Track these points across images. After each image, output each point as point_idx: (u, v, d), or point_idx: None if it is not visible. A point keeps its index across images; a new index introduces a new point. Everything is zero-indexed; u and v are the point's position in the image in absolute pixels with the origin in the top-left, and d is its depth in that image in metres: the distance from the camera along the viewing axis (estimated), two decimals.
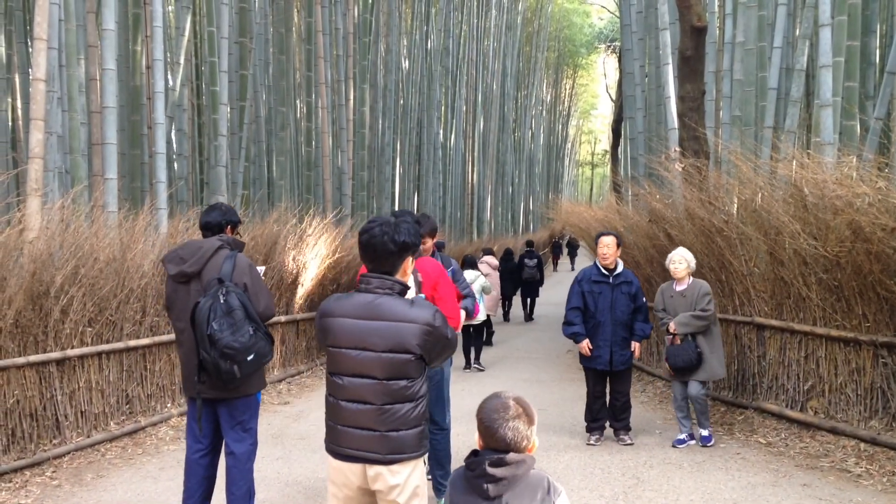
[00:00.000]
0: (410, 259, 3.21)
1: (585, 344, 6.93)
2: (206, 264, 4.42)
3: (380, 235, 3.10)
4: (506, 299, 18.46)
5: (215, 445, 4.64)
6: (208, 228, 4.65)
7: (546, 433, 7.38)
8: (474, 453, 2.46)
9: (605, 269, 7.03)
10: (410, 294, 3.30)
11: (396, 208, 21.21)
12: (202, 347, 4.20)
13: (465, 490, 2.45)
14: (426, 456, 3.40)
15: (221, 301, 4.22)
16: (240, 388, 4.40)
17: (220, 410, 4.48)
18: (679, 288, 6.93)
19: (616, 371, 7.01)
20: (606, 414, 7.18)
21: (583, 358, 7.10)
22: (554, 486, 2.42)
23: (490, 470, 2.37)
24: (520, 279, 18.22)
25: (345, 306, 3.11)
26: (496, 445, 2.41)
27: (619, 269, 7.06)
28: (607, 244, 7.02)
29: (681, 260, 6.93)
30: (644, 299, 7.12)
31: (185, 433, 4.69)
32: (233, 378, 4.25)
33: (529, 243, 19.77)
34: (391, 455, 3.03)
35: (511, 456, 2.39)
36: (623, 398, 7.10)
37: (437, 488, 5.49)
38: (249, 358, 4.24)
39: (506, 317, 18.81)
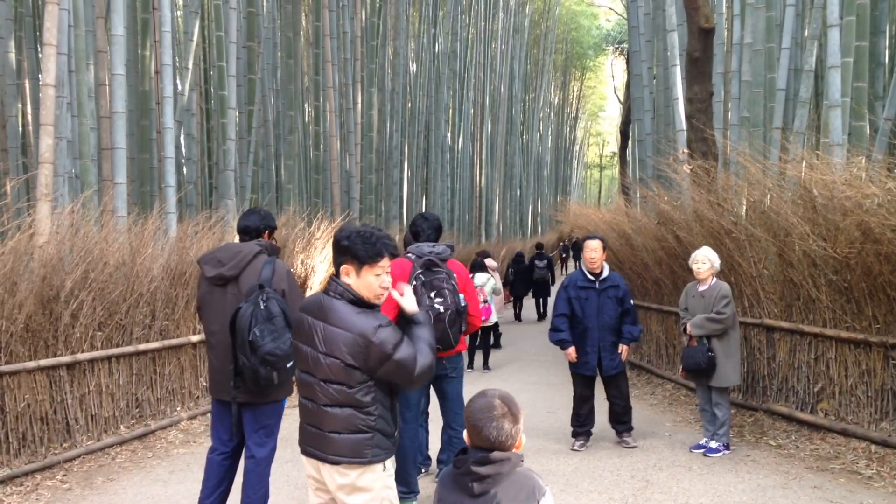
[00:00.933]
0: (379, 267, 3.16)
1: (571, 351, 6.84)
2: (244, 268, 4.44)
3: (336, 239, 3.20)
4: (517, 300, 19.14)
5: (238, 448, 4.65)
6: (246, 232, 4.68)
7: (555, 436, 7.37)
8: (463, 451, 2.50)
9: (591, 273, 6.92)
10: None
11: (405, 211, 21.25)
12: (241, 353, 4.21)
13: (452, 488, 2.48)
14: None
15: (262, 307, 4.22)
16: (270, 394, 4.41)
17: (246, 414, 4.49)
18: (701, 288, 6.76)
19: (609, 376, 6.93)
20: (593, 420, 7.12)
21: (571, 363, 7.05)
22: (539, 486, 2.44)
23: (475, 468, 2.41)
24: (531, 280, 18.69)
25: (307, 302, 3.21)
26: (482, 444, 2.45)
27: (606, 273, 6.94)
28: (594, 248, 6.88)
29: (704, 260, 6.74)
30: (632, 302, 7.03)
31: (211, 433, 4.71)
32: (270, 384, 4.26)
33: (539, 246, 20.49)
34: (333, 456, 3.07)
35: (495, 454, 2.42)
36: (622, 402, 7.01)
37: None
38: (289, 365, 4.25)
39: (517, 317, 19.25)
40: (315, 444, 3.11)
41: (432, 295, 4.98)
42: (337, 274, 3.17)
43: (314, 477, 3.20)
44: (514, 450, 2.47)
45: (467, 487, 2.43)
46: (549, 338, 7.07)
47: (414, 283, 4.96)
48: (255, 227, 4.69)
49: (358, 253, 3.12)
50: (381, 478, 3.14)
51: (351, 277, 3.14)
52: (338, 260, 3.16)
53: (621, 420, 7.06)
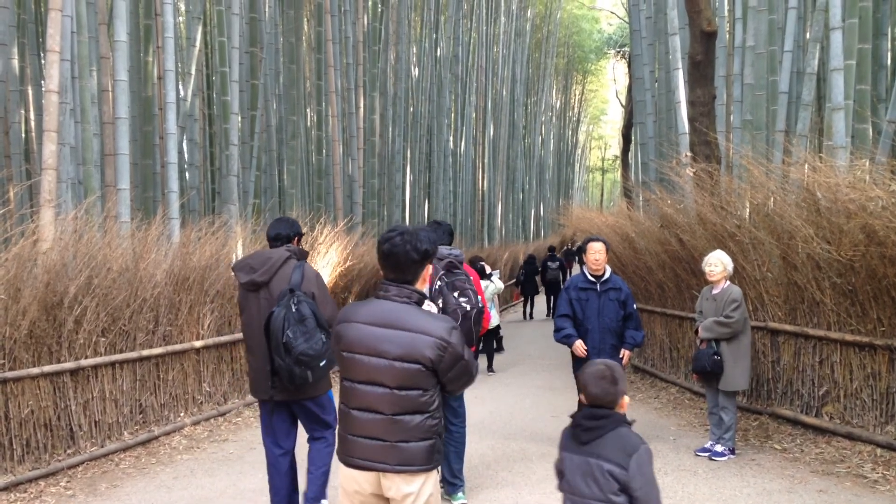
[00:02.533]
0: (430, 268, 3.21)
1: (579, 344, 6.76)
2: (275, 274, 4.71)
3: (401, 245, 3.06)
4: (528, 299, 20.61)
5: (292, 445, 4.93)
6: (277, 239, 4.93)
7: (559, 441, 7.34)
8: (578, 408, 3.04)
9: (592, 275, 6.90)
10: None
11: (407, 215, 21.26)
12: (276, 354, 4.45)
13: (568, 438, 3.03)
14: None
15: (294, 310, 4.47)
16: (309, 391, 4.69)
17: (297, 411, 4.85)
18: (714, 291, 6.73)
19: None
20: None
21: (574, 367, 7.01)
22: (634, 444, 2.86)
23: (582, 421, 2.96)
24: (543, 280, 20.20)
25: (361, 312, 3.08)
26: (590, 401, 2.97)
27: (607, 275, 6.92)
28: (598, 250, 6.86)
29: (716, 263, 6.70)
30: (635, 306, 6.98)
31: (262, 436, 4.92)
32: (305, 382, 4.51)
33: (551, 248, 21.81)
34: (400, 466, 3.00)
35: (598, 411, 2.94)
36: None
37: (453, 483, 5.49)
38: (322, 364, 4.52)
39: (530, 316, 20.67)
40: (376, 457, 3.01)
41: (456, 295, 5.15)
42: (411, 281, 3.12)
43: (362, 492, 3.09)
44: (617, 409, 2.95)
45: (577, 437, 2.96)
46: (554, 338, 7.03)
47: (438, 283, 5.14)
48: (286, 234, 4.96)
49: (435, 253, 3.19)
50: (437, 483, 3.18)
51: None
52: (422, 265, 3.13)
53: None
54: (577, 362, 6.94)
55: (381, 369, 2.98)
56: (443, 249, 5.38)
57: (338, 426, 3.19)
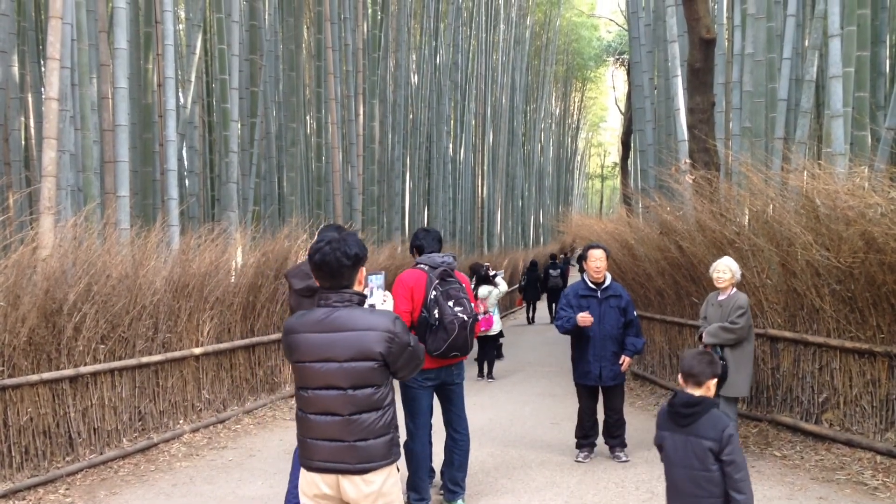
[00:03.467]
0: (364, 270, 3.29)
1: (584, 315, 6.64)
2: None
3: (331, 253, 3.16)
4: (530, 304, 21.35)
5: None
6: None
7: (559, 448, 7.34)
8: (674, 394, 3.64)
9: (592, 282, 6.90)
10: (387, 303, 3.47)
11: (406, 222, 21.28)
12: None
13: (667, 420, 3.63)
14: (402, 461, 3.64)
15: None
16: None
17: None
18: (720, 298, 6.70)
19: (607, 387, 6.86)
20: (597, 431, 7.07)
21: (574, 374, 6.98)
22: (724, 423, 3.48)
23: (681, 409, 3.56)
24: (545, 286, 20.69)
25: (306, 322, 3.18)
26: (686, 377, 3.61)
27: (608, 282, 6.92)
28: (599, 258, 6.85)
29: (725, 270, 6.66)
30: (636, 313, 6.98)
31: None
32: None
33: (553, 256, 22.59)
34: (361, 464, 3.09)
35: (695, 398, 3.54)
36: (616, 415, 6.92)
37: (454, 491, 5.48)
38: None
39: (531, 320, 21.33)
40: (336, 458, 3.10)
41: (451, 304, 5.14)
42: (347, 286, 3.20)
43: (322, 496, 3.16)
44: (706, 389, 3.58)
45: (677, 421, 3.57)
46: (558, 331, 6.96)
47: (434, 293, 5.14)
48: None
49: (366, 256, 3.27)
50: (397, 480, 3.24)
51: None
52: (355, 269, 3.21)
53: (613, 434, 6.96)
54: (577, 369, 6.94)
55: (333, 373, 3.09)
56: (435, 257, 5.38)
57: (297, 432, 3.26)
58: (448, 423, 5.57)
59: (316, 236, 5.32)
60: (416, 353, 3.24)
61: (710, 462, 3.46)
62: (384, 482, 3.14)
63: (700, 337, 6.78)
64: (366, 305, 3.29)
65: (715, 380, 3.61)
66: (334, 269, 3.16)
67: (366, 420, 3.10)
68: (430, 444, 5.57)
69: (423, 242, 5.57)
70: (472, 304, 5.34)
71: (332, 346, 3.09)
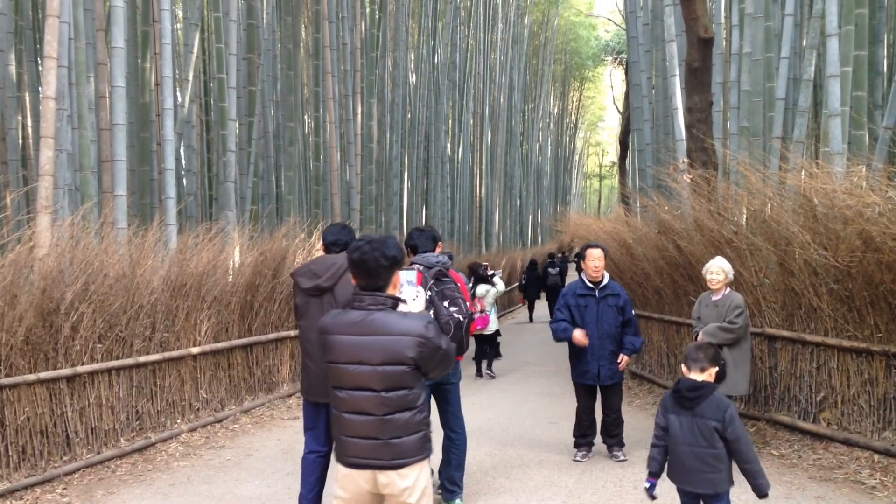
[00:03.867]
0: (399, 273, 3.37)
1: (579, 333, 6.69)
2: (339, 279, 4.81)
3: (370, 252, 3.24)
4: (530, 303, 21.78)
5: (331, 447, 4.94)
6: (337, 245, 5.03)
7: (557, 447, 7.33)
8: (678, 381, 3.99)
9: (590, 281, 6.89)
10: (418, 306, 3.54)
11: (405, 222, 21.28)
12: None
13: (672, 402, 4.01)
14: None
15: None
16: None
17: None
18: (714, 298, 6.71)
19: (605, 386, 6.85)
20: (595, 430, 7.07)
21: (573, 373, 6.97)
22: (725, 404, 3.89)
23: (686, 393, 3.93)
24: (544, 285, 21.10)
25: (340, 323, 3.25)
26: (691, 367, 3.99)
27: (605, 281, 6.91)
28: (597, 257, 6.83)
29: (718, 271, 6.68)
30: (633, 312, 6.96)
31: (305, 435, 5.03)
32: None
33: (551, 255, 23.12)
34: (396, 460, 3.19)
35: (697, 383, 3.93)
36: (614, 414, 6.92)
37: (451, 490, 5.48)
38: None
39: (530, 318, 21.68)
40: (371, 454, 3.19)
41: (446, 304, 5.08)
42: (382, 287, 3.28)
43: (360, 490, 3.26)
44: (709, 376, 3.97)
45: (682, 404, 3.95)
46: (553, 338, 6.96)
47: (429, 293, 5.06)
48: (345, 240, 5.04)
49: (403, 260, 3.37)
50: (429, 474, 3.35)
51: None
52: (392, 271, 3.29)
53: (611, 433, 6.96)
54: (575, 368, 6.93)
55: (366, 375, 3.17)
56: (430, 257, 5.31)
57: (332, 428, 3.38)
58: (445, 423, 5.57)
59: (321, 234, 5.37)
60: (447, 355, 3.31)
61: (715, 440, 3.86)
62: (418, 476, 3.24)
63: (695, 338, 6.79)
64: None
65: (716, 368, 3.99)
66: (372, 268, 3.24)
67: (399, 419, 3.19)
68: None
69: (417, 242, 5.48)
70: (468, 304, 5.30)
71: (365, 350, 3.17)
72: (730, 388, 6.55)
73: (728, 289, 6.72)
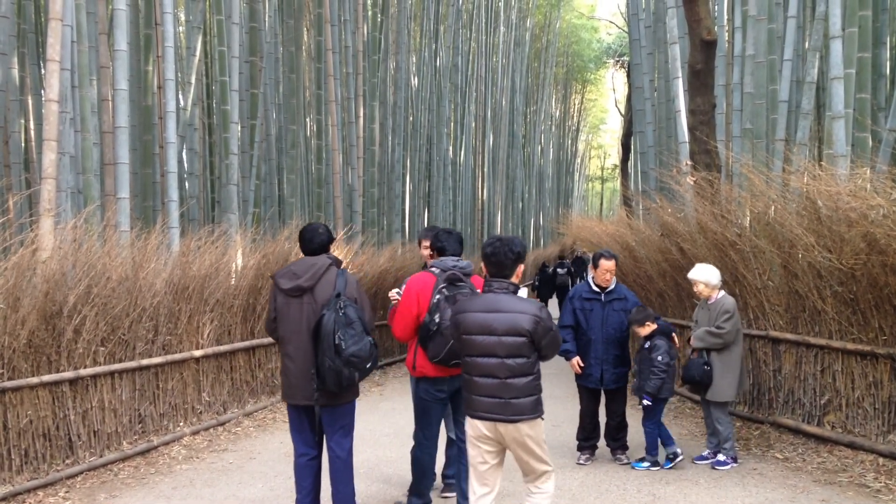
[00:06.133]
0: (522, 266, 4.22)
1: (575, 361, 6.81)
2: (319, 280, 4.88)
3: (501, 248, 4.15)
4: (543, 302, 21.93)
5: (321, 450, 5.09)
6: (318, 245, 5.06)
7: (560, 450, 7.31)
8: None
9: (597, 285, 6.91)
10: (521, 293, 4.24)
11: (407, 224, 21.25)
12: (327, 356, 4.67)
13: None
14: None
15: (341, 314, 4.74)
16: (344, 396, 4.92)
17: (325, 417, 4.94)
18: (709, 301, 6.76)
19: (609, 390, 6.87)
20: (599, 434, 7.06)
21: (577, 376, 6.99)
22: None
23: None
24: (555, 285, 22.13)
25: (474, 304, 4.17)
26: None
27: (612, 284, 6.93)
28: (609, 269, 6.86)
29: (696, 283, 6.72)
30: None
31: (293, 439, 5.08)
32: (352, 384, 4.79)
33: (561, 256, 24.22)
34: (514, 416, 4.01)
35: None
36: (617, 418, 6.93)
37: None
38: (368, 366, 4.81)
39: None
40: (495, 410, 4.03)
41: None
42: (507, 276, 4.16)
43: (483, 436, 4.11)
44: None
45: None
46: None
47: (437, 297, 4.99)
48: (324, 242, 5.07)
49: (525, 255, 4.27)
50: (542, 426, 4.16)
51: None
52: (516, 264, 4.18)
53: (615, 437, 6.98)
54: (579, 375, 6.93)
55: (493, 344, 4.02)
56: (447, 261, 5.20)
57: (462, 389, 4.22)
58: (451, 430, 5.53)
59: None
60: (556, 336, 4.14)
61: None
62: (531, 429, 4.06)
63: (689, 340, 6.81)
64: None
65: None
66: (502, 261, 4.14)
67: (518, 383, 4.01)
68: (436, 448, 5.48)
69: (445, 244, 5.31)
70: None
71: (492, 323, 4.02)
72: (716, 394, 6.56)
73: (720, 292, 6.73)
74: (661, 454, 6.70)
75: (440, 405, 5.23)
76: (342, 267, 5.05)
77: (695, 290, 6.82)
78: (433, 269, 5.23)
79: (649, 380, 6.54)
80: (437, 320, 4.97)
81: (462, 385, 4.20)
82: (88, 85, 8.78)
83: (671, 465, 6.58)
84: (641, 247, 10.80)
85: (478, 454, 4.20)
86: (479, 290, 5.19)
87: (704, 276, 6.72)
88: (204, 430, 8.14)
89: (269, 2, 14.34)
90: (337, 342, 4.64)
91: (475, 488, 4.22)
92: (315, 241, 5.04)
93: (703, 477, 6.32)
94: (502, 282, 4.13)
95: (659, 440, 6.69)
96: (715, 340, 6.56)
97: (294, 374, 4.89)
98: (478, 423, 4.12)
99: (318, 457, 5.04)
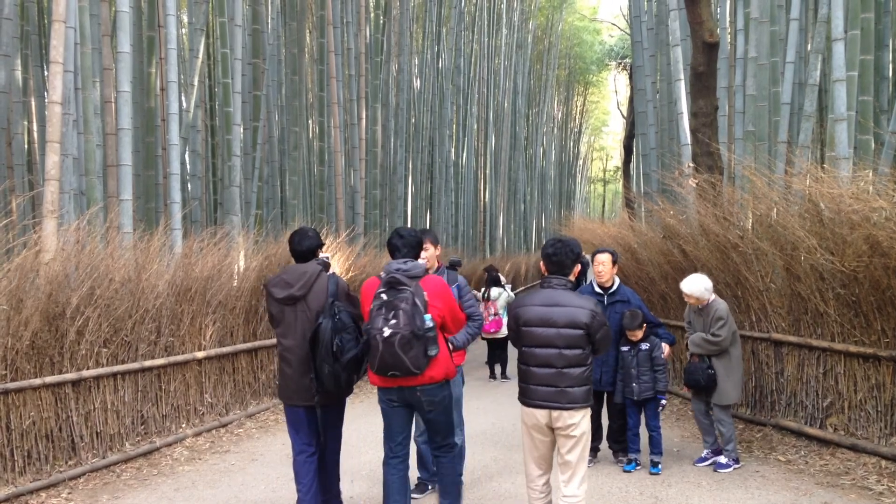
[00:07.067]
0: (579, 266, 4.51)
1: None
2: (311, 287, 4.95)
3: (562, 248, 4.45)
4: None
5: (318, 447, 5.16)
6: (307, 249, 5.12)
7: None
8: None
9: (600, 287, 6.90)
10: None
11: (409, 226, 21.24)
12: (326, 363, 4.75)
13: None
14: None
15: (337, 319, 4.82)
16: (342, 395, 5.08)
17: (322, 414, 5.05)
18: (702, 306, 6.79)
19: (611, 392, 6.88)
20: (601, 436, 7.05)
21: None
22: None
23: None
24: None
25: (534, 298, 4.46)
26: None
27: (615, 286, 6.91)
28: (603, 262, 6.84)
29: (689, 296, 6.68)
30: (651, 314, 6.94)
31: (291, 438, 5.16)
32: (350, 386, 4.90)
33: None
34: (568, 404, 4.29)
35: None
36: (618, 421, 6.93)
37: None
38: (365, 367, 4.85)
39: None
40: (550, 399, 4.31)
41: (384, 317, 4.50)
42: (566, 274, 4.46)
43: (538, 423, 4.37)
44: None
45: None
46: None
47: (375, 302, 4.57)
48: (313, 248, 5.15)
49: (581, 256, 4.57)
50: (589, 416, 4.44)
51: None
52: (574, 264, 4.48)
53: (617, 439, 6.97)
54: None
55: (552, 336, 4.30)
56: (393, 265, 4.68)
57: (518, 379, 4.47)
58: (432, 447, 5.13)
59: (289, 241, 5.35)
60: (609, 332, 4.43)
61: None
62: (582, 418, 4.34)
63: (686, 345, 6.82)
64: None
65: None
66: (562, 261, 4.44)
67: (573, 373, 4.29)
68: (407, 468, 5.01)
69: (397, 245, 4.81)
70: (429, 317, 4.55)
71: (551, 315, 4.31)
72: (721, 397, 6.56)
73: (714, 296, 6.73)
74: (644, 456, 6.71)
75: (397, 412, 4.81)
76: (331, 272, 5.15)
77: (687, 300, 6.81)
78: (382, 273, 4.74)
79: (658, 380, 6.63)
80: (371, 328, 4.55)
81: (518, 375, 4.46)
82: (91, 87, 8.80)
83: (633, 469, 6.68)
84: (644, 249, 10.80)
85: (531, 442, 4.48)
86: (425, 293, 4.62)
87: (698, 290, 6.62)
88: (206, 432, 8.15)
89: (271, 4, 14.38)
90: (335, 349, 4.73)
91: (530, 470, 4.54)
92: (304, 245, 5.11)
93: (706, 479, 6.32)
94: (560, 278, 4.44)
95: (645, 441, 6.75)
96: (712, 347, 6.59)
97: (292, 379, 5.01)
98: (535, 411, 4.37)
99: (317, 452, 5.13)
